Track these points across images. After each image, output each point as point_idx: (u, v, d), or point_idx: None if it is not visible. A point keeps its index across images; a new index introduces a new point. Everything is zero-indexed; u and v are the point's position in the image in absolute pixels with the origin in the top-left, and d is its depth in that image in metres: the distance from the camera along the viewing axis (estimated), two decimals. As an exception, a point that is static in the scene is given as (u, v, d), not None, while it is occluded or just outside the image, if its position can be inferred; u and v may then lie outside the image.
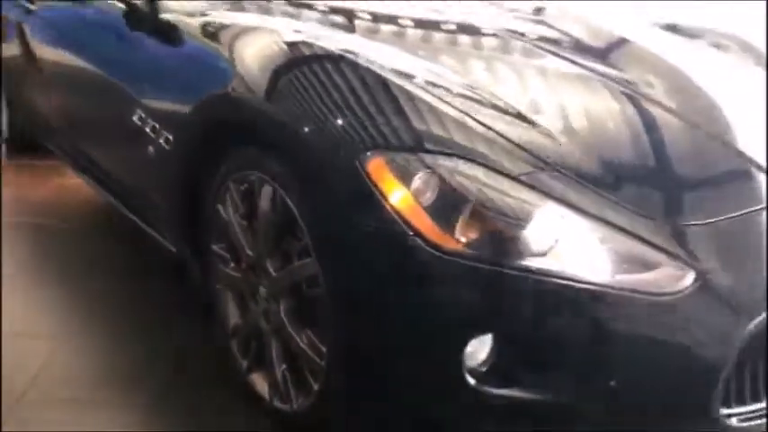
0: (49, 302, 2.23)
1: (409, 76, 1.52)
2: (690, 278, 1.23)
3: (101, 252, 2.56)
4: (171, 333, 2.05)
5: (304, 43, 1.62)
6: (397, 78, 1.47)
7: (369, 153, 1.30)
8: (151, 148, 1.94)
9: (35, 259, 2.55)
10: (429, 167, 1.28)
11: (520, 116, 1.48)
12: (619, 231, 1.26)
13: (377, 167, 1.29)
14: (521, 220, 1.25)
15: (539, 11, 2.39)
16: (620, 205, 1.30)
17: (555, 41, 2.12)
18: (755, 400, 1.37)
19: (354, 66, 1.49)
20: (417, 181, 1.27)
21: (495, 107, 1.49)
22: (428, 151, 1.31)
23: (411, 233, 1.25)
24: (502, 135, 1.37)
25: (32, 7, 2.78)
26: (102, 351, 1.98)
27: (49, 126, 2.85)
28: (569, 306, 1.23)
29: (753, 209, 1.40)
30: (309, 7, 2.02)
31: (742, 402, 1.35)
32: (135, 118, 2.00)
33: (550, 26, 2.26)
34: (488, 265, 1.24)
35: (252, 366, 1.72)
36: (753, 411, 1.37)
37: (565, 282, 1.22)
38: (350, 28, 1.96)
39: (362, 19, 2.03)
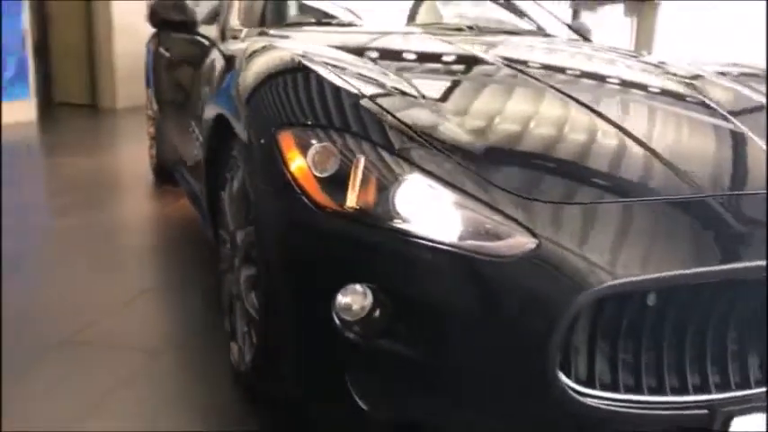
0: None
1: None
2: (529, 246, 1.29)
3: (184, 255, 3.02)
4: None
5: (295, 56, 1.87)
6: (338, 79, 1.69)
7: (281, 128, 1.53)
8: (196, 151, 2.33)
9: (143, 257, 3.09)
10: (326, 141, 1.48)
11: (431, 105, 1.64)
12: (476, 202, 1.36)
13: (285, 140, 1.51)
14: (393, 187, 1.39)
15: (696, 77, 2.27)
16: (487, 182, 1.39)
17: (678, 95, 2.10)
18: (628, 390, 1.35)
19: (307, 71, 1.73)
20: (312, 151, 1.47)
21: (405, 94, 1.67)
22: (328, 128, 1.51)
23: (302, 195, 1.44)
24: (398, 118, 1.53)
25: (167, 54, 3.38)
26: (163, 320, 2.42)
27: (171, 156, 3.41)
28: (423, 264, 1.34)
29: (626, 200, 1.42)
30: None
31: (615, 389, 1.34)
32: (190, 129, 2.41)
33: (689, 86, 2.17)
34: (361, 226, 1.39)
35: (231, 335, 1.97)
36: (626, 401, 1.35)
37: (420, 241, 1.34)
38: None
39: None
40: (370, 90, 1.65)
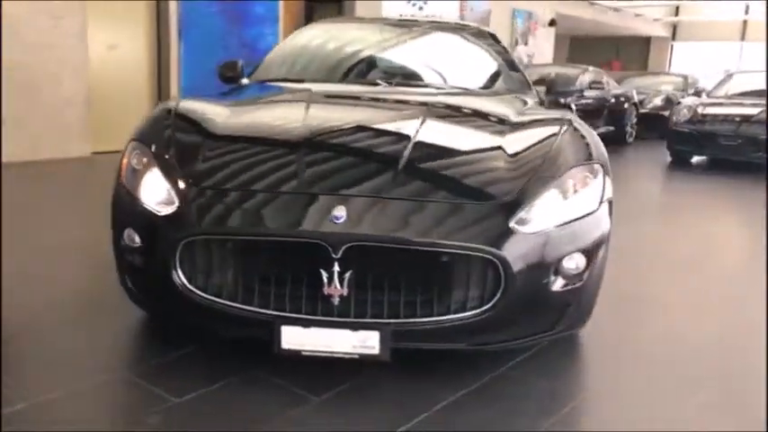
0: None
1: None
2: (174, 209, 2.37)
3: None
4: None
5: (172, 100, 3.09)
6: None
7: (131, 140, 2.75)
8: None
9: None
10: (140, 150, 2.67)
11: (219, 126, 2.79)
12: (172, 186, 2.45)
13: (128, 147, 2.74)
14: (145, 176, 2.55)
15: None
16: (184, 176, 2.46)
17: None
18: (228, 297, 2.32)
19: (168, 108, 2.93)
20: (130, 155, 2.68)
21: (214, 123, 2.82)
22: (146, 142, 2.69)
23: (118, 178, 2.67)
24: (178, 139, 2.66)
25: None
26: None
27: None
28: (144, 217, 2.47)
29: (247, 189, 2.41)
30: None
31: (219, 295, 2.34)
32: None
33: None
34: (132, 199, 2.56)
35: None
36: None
37: (143, 204, 2.48)
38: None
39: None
40: (201, 122, 2.82)
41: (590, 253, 2.49)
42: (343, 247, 2.22)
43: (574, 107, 9.74)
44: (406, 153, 2.55)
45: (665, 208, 6.84)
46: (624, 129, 11.58)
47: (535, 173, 2.51)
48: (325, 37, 4.33)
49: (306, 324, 2.27)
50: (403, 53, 4.15)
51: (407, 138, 2.66)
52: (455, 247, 2.25)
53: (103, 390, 2.36)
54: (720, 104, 9.50)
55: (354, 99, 3.36)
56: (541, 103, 3.78)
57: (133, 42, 8.24)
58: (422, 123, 2.79)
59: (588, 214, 2.51)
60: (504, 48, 4.24)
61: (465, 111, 3.26)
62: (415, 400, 2.35)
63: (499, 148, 2.67)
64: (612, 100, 11.12)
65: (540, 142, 2.72)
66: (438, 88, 3.67)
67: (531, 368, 2.64)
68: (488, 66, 4.08)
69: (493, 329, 2.38)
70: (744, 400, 2.52)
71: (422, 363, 2.58)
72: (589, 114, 10.36)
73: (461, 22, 4.84)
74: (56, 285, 3.37)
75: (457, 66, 3.99)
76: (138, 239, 2.51)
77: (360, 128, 2.85)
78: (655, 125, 12.11)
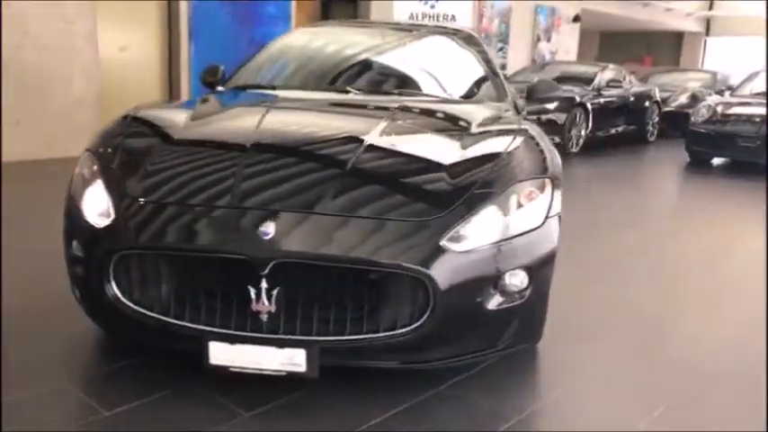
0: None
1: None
2: (110, 222, 2.37)
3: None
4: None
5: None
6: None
7: (87, 149, 2.78)
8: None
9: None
10: (91, 160, 2.69)
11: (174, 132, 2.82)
12: (111, 201, 2.45)
13: (81, 158, 2.76)
14: (88, 187, 2.56)
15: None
16: (125, 192, 2.46)
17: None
18: (160, 311, 2.32)
19: (127, 117, 2.95)
20: (82, 165, 2.70)
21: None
22: (96, 153, 2.71)
23: (69, 193, 2.68)
24: (127, 153, 2.67)
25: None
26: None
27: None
28: (84, 228, 2.48)
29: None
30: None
31: (150, 308, 2.34)
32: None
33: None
34: (77, 210, 2.57)
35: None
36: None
37: (83, 215, 2.49)
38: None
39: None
40: (153, 132, 2.85)
41: (533, 270, 2.43)
42: (270, 264, 2.20)
43: (590, 106, 9.58)
44: (348, 166, 2.52)
45: (670, 211, 6.67)
46: (645, 127, 11.36)
47: (475, 188, 2.46)
48: (305, 42, 4.31)
49: (232, 340, 2.26)
50: (380, 59, 4.10)
51: (352, 150, 2.62)
52: (381, 264, 2.22)
53: (38, 401, 2.38)
54: (742, 104, 9.22)
55: (316, 107, 3.34)
56: (518, 111, 3.70)
57: (144, 43, 8.34)
58: (372, 135, 2.75)
59: (532, 230, 2.45)
60: (487, 53, 4.16)
61: (424, 121, 3.21)
62: (345, 418, 2.32)
63: (442, 163, 2.61)
64: (632, 98, 10.88)
65: (488, 156, 2.65)
66: (407, 96, 3.59)
67: (476, 384, 2.59)
68: (466, 72, 4.00)
69: (426, 347, 2.34)
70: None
71: (364, 380, 2.55)
72: (608, 113, 10.19)
73: (446, 26, 4.76)
74: (28, 287, 3.42)
75: (432, 73, 3.93)
76: (80, 251, 2.53)
77: (308, 139, 2.82)
78: (680, 124, 11.82)
